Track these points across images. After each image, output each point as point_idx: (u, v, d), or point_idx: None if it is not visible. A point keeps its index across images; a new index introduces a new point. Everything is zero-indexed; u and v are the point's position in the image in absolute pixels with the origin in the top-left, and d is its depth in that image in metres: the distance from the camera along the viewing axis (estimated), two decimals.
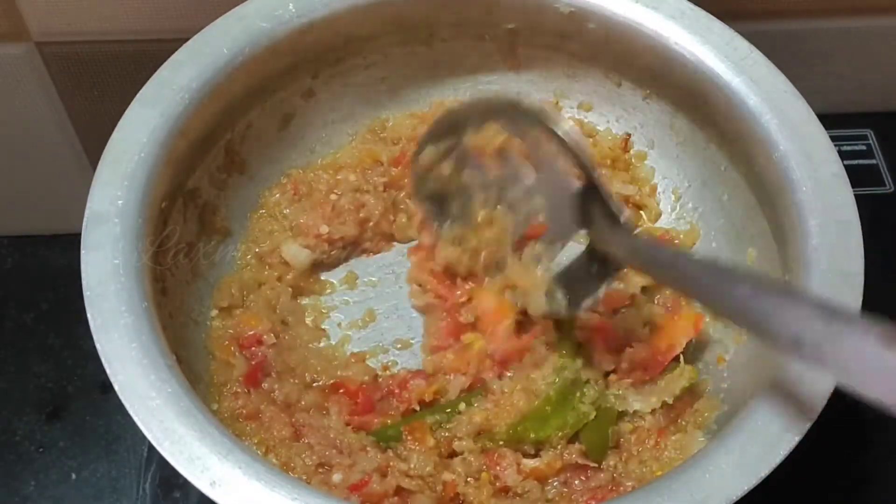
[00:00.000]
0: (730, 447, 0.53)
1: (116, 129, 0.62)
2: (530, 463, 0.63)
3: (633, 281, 0.68)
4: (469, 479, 0.62)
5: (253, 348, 0.67)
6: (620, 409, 0.65)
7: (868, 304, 0.56)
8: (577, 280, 0.63)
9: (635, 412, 0.65)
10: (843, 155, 0.64)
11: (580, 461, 0.63)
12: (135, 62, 0.75)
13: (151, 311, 0.57)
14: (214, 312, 0.69)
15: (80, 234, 0.58)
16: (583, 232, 0.62)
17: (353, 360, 0.69)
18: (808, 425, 0.53)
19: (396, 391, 0.67)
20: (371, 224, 0.73)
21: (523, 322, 0.68)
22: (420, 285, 0.72)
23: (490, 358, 0.66)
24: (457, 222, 0.69)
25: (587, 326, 0.66)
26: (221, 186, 0.71)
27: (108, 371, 0.54)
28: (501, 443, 0.64)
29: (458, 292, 0.70)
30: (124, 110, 0.63)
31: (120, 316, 0.56)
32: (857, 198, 0.62)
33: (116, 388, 0.54)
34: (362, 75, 0.75)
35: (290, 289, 0.70)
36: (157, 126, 0.62)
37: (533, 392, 0.65)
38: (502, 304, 0.68)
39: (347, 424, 0.65)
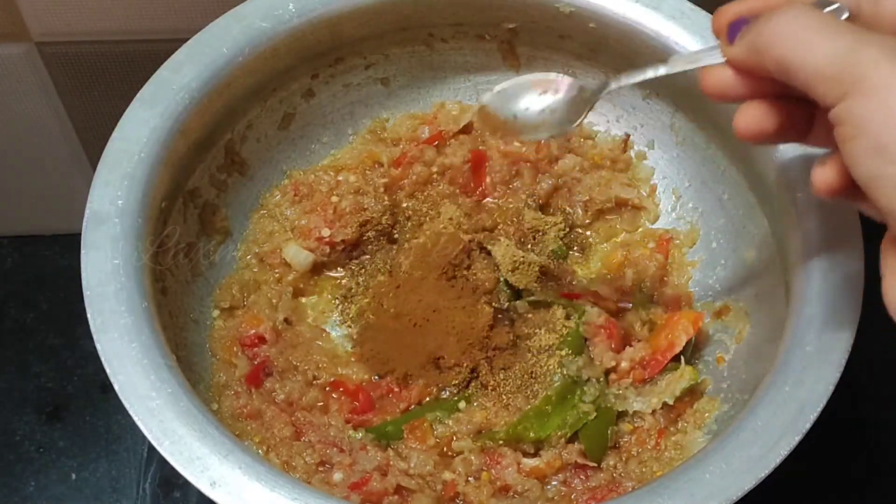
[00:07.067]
0: (730, 447, 0.53)
1: (116, 129, 0.62)
2: (530, 462, 0.63)
3: None
4: (469, 478, 0.62)
5: (255, 348, 0.67)
6: (620, 410, 0.65)
7: (868, 303, 0.56)
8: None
9: (635, 412, 0.65)
10: None
11: (580, 461, 0.63)
12: (135, 62, 0.75)
13: (151, 311, 0.57)
14: (216, 313, 0.69)
15: (80, 234, 0.58)
16: None
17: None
18: (807, 425, 0.53)
19: (396, 389, 0.67)
20: (372, 226, 0.73)
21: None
22: None
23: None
24: None
25: (593, 323, 0.66)
26: (221, 187, 0.71)
27: (108, 371, 0.54)
28: (501, 442, 0.64)
29: None
30: (124, 110, 0.63)
31: (120, 316, 0.56)
32: None
33: (116, 388, 0.54)
34: (362, 75, 0.75)
35: (290, 289, 0.71)
36: (157, 126, 0.62)
37: (533, 391, 0.65)
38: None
39: (347, 423, 0.65)
